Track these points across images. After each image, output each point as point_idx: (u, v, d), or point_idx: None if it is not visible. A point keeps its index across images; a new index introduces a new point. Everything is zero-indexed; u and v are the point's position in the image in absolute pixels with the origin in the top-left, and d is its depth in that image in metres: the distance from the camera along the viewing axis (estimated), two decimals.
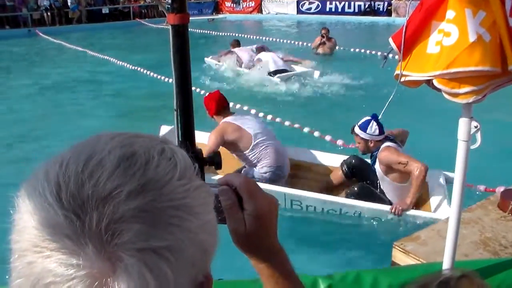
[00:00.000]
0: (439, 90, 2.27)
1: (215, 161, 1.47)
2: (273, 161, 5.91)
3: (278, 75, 11.73)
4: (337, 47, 16.01)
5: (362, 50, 15.58)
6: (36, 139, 8.74)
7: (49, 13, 27.82)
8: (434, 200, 5.44)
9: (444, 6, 2.20)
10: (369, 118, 5.53)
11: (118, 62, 15.18)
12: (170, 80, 10.29)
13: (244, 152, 5.92)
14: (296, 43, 18.08)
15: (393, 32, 2.40)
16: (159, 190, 0.59)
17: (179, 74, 1.51)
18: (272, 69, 11.81)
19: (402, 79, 2.39)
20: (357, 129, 5.58)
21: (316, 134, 7.98)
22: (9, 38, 23.73)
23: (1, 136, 8.83)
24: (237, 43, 13.94)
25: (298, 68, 12.73)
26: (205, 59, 14.26)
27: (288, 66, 12.39)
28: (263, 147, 5.90)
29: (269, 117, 8.85)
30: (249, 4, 31.43)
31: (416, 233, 3.68)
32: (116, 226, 0.55)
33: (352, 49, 16.15)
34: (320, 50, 15.72)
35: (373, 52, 15.21)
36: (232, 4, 31.55)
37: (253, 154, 5.91)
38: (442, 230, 3.49)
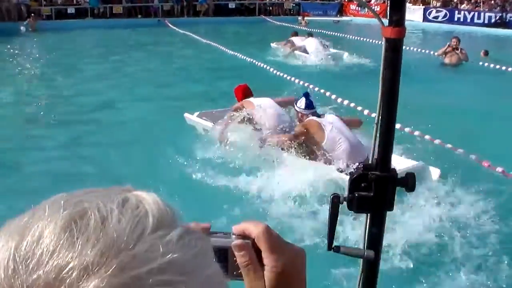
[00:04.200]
0: None
1: (409, 182, 1.37)
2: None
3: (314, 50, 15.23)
4: (468, 60, 14.91)
5: (491, 65, 14.49)
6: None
7: (178, 5, 29.01)
8: None
9: None
10: (303, 94, 6.58)
11: (240, 55, 15.48)
12: (285, 75, 10.35)
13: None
14: (420, 50, 17.40)
15: None
16: (129, 251, 0.44)
17: (387, 89, 1.36)
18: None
19: None
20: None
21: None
22: (139, 27, 25.17)
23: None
24: (295, 33, 17.90)
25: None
26: (271, 44, 18.05)
27: (328, 49, 15.81)
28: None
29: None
30: (375, 8, 30.84)
31: None
32: None
33: (480, 63, 15.00)
34: (447, 60, 14.84)
35: (501, 67, 14.21)
36: (357, 7, 31.14)
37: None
38: None
